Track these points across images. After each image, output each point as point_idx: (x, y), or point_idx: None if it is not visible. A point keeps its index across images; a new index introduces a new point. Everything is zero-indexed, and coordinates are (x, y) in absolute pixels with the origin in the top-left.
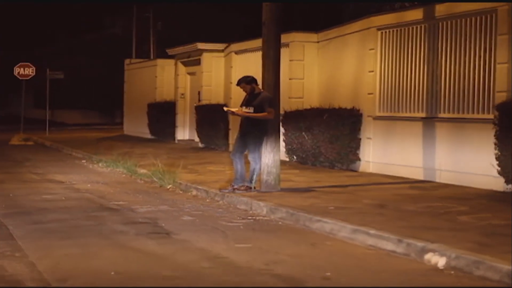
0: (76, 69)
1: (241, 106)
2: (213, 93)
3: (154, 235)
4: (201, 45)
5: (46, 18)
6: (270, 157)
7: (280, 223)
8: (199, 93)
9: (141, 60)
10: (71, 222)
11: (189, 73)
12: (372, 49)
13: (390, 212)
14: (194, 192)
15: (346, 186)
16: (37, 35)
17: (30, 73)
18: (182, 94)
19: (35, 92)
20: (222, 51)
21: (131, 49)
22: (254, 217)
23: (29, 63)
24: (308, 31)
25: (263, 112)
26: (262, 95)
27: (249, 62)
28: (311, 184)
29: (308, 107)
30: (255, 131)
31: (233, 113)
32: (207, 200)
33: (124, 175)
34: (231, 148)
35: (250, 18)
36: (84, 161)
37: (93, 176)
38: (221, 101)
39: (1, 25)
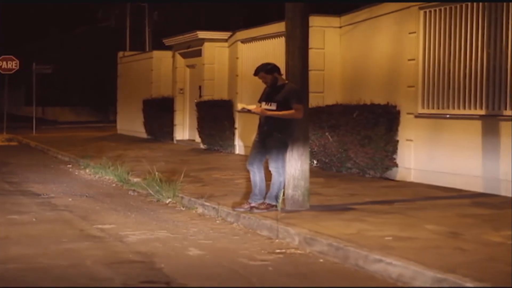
0: (67, 64)
1: (260, 101)
2: (216, 88)
3: (149, 285)
4: (202, 34)
5: (35, 11)
6: (296, 166)
7: (321, 260)
8: (200, 87)
9: (136, 52)
10: (37, 262)
11: (188, 66)
12: (413, 32)
13: (471, 246)
14: (200, 210)
15: (392, 202)
16: (27, 30)
17: (14, 67)
18: (181, 89)
19: (26, 89)
20: (226, 40)
21: (125, 41)
22: (283, 250)
23: (12, 56)
24: (328, 14)
25: (289, 110)
26: (287, 87)
27: (258, 52)
28: (345, 199)
29: (330, 102)
30: (279, 134)
31: (249, 111)
32: (217, 222)
33: (114, 185)
34: (237, 150)
35: (252, 7)
36: (70, 165)
37: (78, 186)
38: (224, 96)
39: None
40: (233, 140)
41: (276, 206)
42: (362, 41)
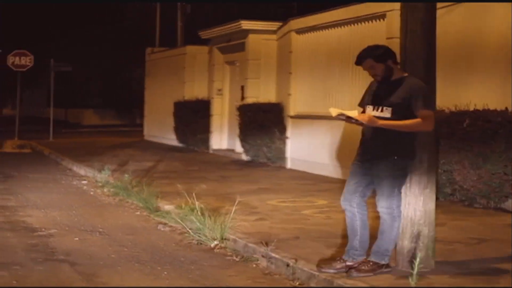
0: (90, 62)
1: (363, 105)
2: (262, 88)
3: None
4: (246, 24)
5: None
6: (417, 205)
7: None
8: (242, 88)
9: (166, 48)
10: None
11: (228, 63)
12: None
13: None
14: (263, 263)
15: None
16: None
17: (28, 63)
18: (219, 90)
19: (49, 89)
20: (275, 31)
21: (154, 38)
22: None
23: (26, 51)
24: None
25: (411, 118)
26: (408, 83)
27: (320, 45)
28: (474, 249)
29: None
30: (395, 156)
31: (349, 119)
32: (296, 284)
33: (138, 212)
34: (289, 164)
35: None
36: (85, 182)
37: (90, 215)
38: (272, 98)
39: (9, 17)
40: (284, 151)
41: (387, 266)
42: (464, 25)
